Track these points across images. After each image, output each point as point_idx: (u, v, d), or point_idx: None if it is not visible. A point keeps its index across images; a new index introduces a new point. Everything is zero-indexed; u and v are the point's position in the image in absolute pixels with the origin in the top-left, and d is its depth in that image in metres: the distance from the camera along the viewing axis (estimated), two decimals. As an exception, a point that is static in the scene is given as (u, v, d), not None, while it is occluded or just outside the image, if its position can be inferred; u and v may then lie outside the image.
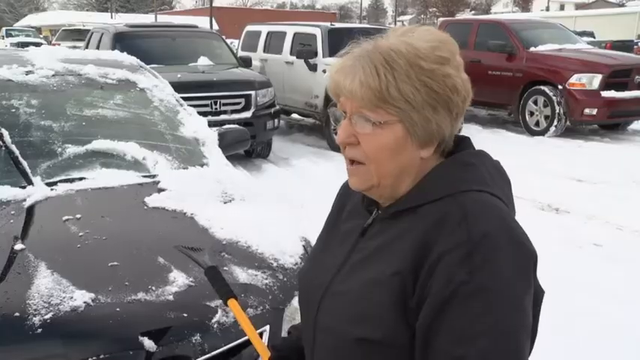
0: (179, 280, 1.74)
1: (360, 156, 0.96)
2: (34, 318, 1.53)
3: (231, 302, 1.28)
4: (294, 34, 9.20)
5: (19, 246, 1.85)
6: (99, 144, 2.62)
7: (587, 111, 8.68)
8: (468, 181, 0.95)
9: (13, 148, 2.36)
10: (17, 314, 1.54)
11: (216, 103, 6.75)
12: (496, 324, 0.84)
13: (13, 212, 2.08)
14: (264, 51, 9.78)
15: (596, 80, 8.68)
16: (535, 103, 9.17)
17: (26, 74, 2.83)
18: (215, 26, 32.33)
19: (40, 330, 1.51)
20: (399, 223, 0.97)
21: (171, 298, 1.68)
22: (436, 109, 0.93)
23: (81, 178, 2.40)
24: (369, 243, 1.00)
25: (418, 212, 0.95)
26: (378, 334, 0.91)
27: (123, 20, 27.81)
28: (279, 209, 2.46)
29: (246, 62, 8.32)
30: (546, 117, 9.02)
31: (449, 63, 0.93)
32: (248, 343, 1.67)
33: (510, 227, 0.90)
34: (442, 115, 0.94)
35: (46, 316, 1.54)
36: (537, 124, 9.18)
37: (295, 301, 1.81)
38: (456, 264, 0.86)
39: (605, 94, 8.64)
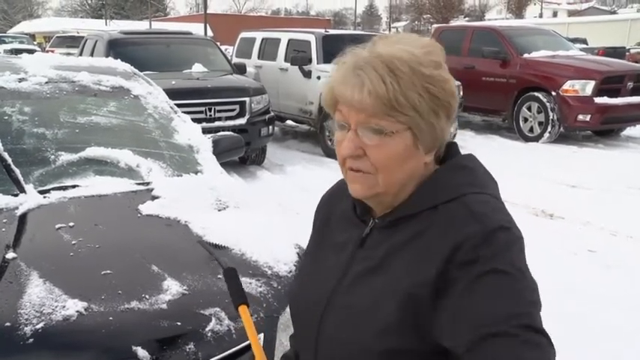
0: (173, 288, 1.73)
1: (367, 167, 0.95)
2: (25, 328, 1.51)
3: (242, 308, 1.27)
4: (289, 41, 9.21)
5: (10, 254, 1.83)
6: (92, 151, 2.60)
7: (580, 117, 8.73)
8: (468, 185, 0.96)
9: (6, 155, 2.33)
10: (8, 324, 1.52)
11: (210, 110, 6.74)
12: (518, 305, 0.84)
13: (5, 220, 2.06)
14: (258, 57, 9.79)
15: (589, 87, 8.73)
16: (529, 109, 9.21)
17: (19, 81, 2.80)
18: (209, 33, 32.34)
19: (31, 340, 1.49)
20: (401, 230, 0.96)
21: (165, 306, 1.66)
22: (438, 115, 0.94)
23: (74, 186, 2.38)
24: (373, 252, 0.98)
25: (419, 218, 0.95)
26: (403, 343, 0.90)
27: (117, 27, 27.83)
28: (274, 216, 2.44)
29: (240, 69, 8.32)
30: (540, 123, 9.06)
31: (442, 67, 0.95)
32: (243, 351, 1.66)
33: (514, 222, 0.93)
34: (443, 120, 0.95)
35: (38, 326, 1.52)
36: (531, 130, 9.22)
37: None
38: (472, 250, 0.86)
39: (599, 100, 8.69)
